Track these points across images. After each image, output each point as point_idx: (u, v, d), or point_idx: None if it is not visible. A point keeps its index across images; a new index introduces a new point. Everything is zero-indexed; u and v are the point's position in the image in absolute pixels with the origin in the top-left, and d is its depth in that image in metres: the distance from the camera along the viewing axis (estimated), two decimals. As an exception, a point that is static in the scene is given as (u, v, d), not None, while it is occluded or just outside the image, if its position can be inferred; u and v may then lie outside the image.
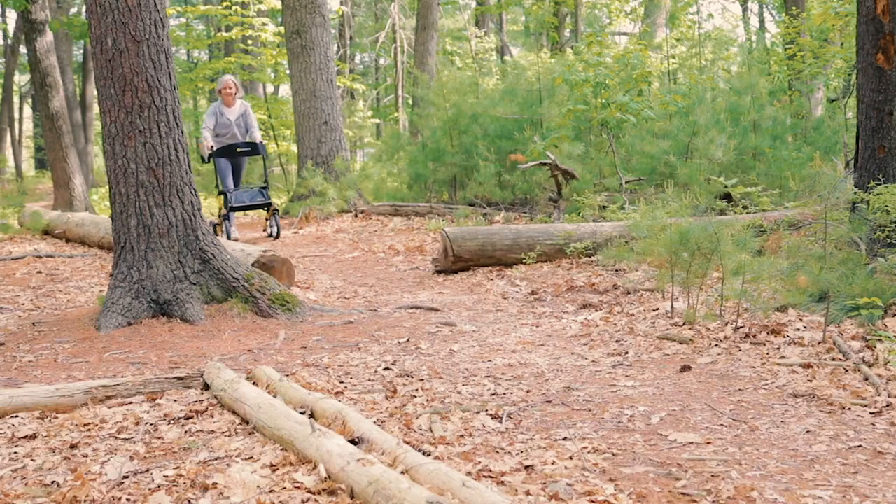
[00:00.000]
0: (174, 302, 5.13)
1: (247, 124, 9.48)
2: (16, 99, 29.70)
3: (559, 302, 5.71)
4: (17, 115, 29.36)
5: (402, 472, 2.42)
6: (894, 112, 4.66)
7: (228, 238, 8.99)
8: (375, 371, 4.00)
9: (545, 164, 8.88)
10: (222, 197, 9.30)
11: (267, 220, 9.93)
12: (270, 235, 9.83)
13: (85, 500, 2.47)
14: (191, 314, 5.09)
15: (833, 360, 3.75)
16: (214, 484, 2.54)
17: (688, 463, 2.70)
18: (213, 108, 9.48)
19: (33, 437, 3.10)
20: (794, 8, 13.08)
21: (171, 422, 3.24)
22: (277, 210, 9.70)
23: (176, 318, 5.10)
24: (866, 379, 3.46)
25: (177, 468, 2.72)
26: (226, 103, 9.43)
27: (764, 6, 24.95)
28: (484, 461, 2.70)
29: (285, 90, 26.75)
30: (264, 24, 17.37)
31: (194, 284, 5.22)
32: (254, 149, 9.23)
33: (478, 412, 3.25)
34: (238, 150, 9.15)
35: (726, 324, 4.47)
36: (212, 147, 9.15)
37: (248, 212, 10.58)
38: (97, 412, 3.34)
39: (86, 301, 6.18)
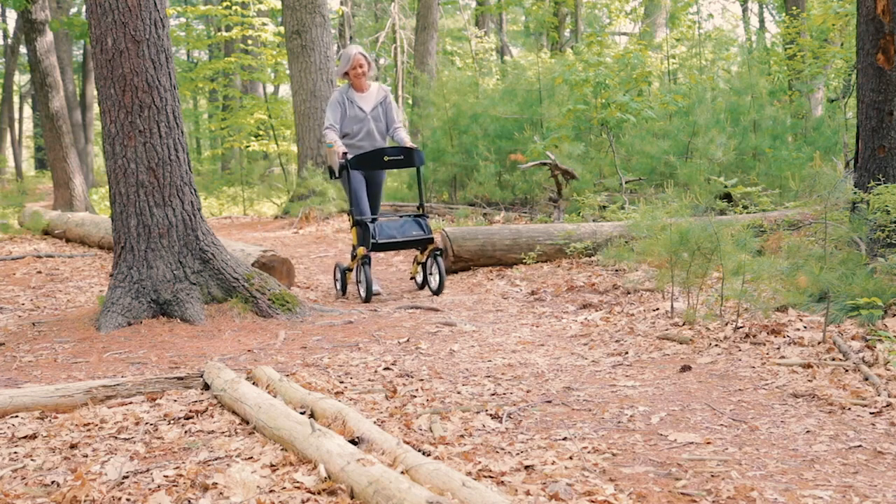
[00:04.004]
0: (174, 302, 5.13)
1: (387, 118, 6.48)
2: (16, 99, 29.72)
3: (559, 302, 5.71)
4: (17, 115, 29.37)
5: (402, 472, 2.42)
6: (894, 112, 4.66)
7: (367, 298, 5.98)
8: (375, 371, 4.00)
9: (545, 164, 8.88)
10: (356, 229, 6.25)
11: (419, 262, 6.43)
12: (424, 286, 6.42)
13: (85, 500, 2.47)
14: (191, 314, 5.09)
15: (833, 360, 3.74)
16: (214, 484, 2.54)
17: (688, 463, 2.70)
18: (337, 95, 6.38)
19: (33, 437, 3.10)
20: (794, 8, 13.08)
21: (171, 422, 3.24)
22: (441, 250, 6.23)
23: (176, 318, 5.10)
24: (866, 379, 3.46)
25: (177, 468, 2.72)
26: (356, 87, 6.41)
27: (764, 6, 24.95)
28: (484, 461, 2.70)
29: (285, 90, 26.78)
30: (264, 24, 17.38)
31: (194, 284, 5.22)
32: (408, 157, 6.20)
33: (478, 412, 3.25)
34: (386, 158, 6.15)
35: (726, 324, 4.47)
36: (344, 154, 6.11)
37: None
38: (97, 412, 3.34)
39: (86, 301, 6.18)
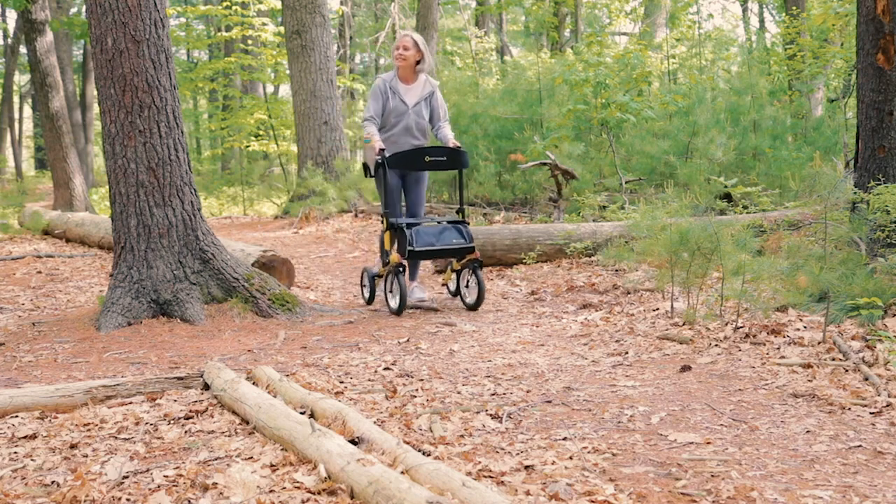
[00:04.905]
0: (174, 302, 5.13)
1: (432, 115, 5.93)
2: (16, 99, 29.73)
3: (559, 302, 5.71)
4: (17, 115, 29.38)
5: (402, 472, 2.42)
6: (894, 112, 4.66)
7: (399, 310, 5.48)
8: (375, 371, 4.00)
9: (545, 164, 8.88)
10: (390, 233, 5.75)
11: (454, 270, 5.87)
12: (457, 295, 5.92)
13: (85, 500, 2.47)
14: (191, 314, 5.09)
15: (833, 360, 3.74)
16: (214, 484, 2.54)
17: (688, 463, 2.70)
18: (379, 83, 5.79)
19: (33, 437, 3.10)
20: (794, 8, 13.08)
21: (171, 422, 3.24)
22: (481, 261, 5.67)
23: (176, 318, 5.10)
24: (866, 379, 3.46)
25: (177, 468, 2.72)
26: (401, 76, 5.82)
27: (764, 6, 24.95)
28: (484, 461, 2.70)
29: (285, 90, 26.77)
30: (264, 24, 17.38)
31: (194, 284, 5.23)
32: (452, 159, 5.69)
33: (478, 412, 3.25)
34: (427, 158, 5.62)
35: (726, 324, 4.47)
36: (382, 151, 5.63)
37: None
38: (97, 412, 3.34)
39: (86, 301, 6.18)
